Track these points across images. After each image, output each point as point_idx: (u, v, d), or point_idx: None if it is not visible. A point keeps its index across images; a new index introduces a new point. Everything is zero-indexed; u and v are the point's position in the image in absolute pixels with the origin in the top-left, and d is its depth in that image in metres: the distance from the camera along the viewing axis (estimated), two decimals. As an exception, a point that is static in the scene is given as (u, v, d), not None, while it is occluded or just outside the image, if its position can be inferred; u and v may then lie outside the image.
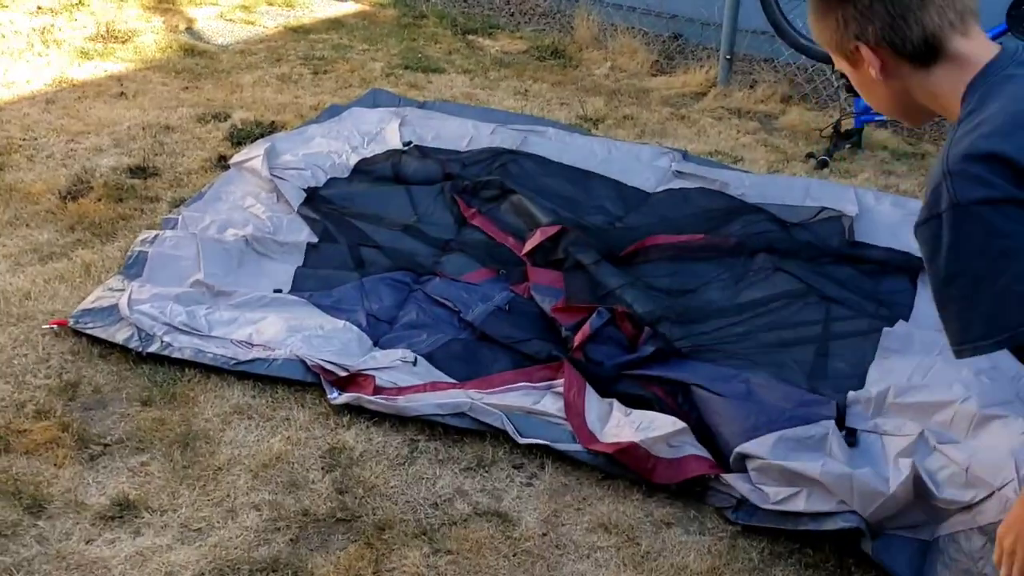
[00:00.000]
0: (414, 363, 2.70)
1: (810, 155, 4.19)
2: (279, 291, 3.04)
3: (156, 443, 2.39)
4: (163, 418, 2.48)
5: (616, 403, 2.51)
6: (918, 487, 2.08)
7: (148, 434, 2.42)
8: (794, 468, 2.18)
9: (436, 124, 4.15)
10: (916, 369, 2.46)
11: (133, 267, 3.07)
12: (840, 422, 2.35)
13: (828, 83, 4.86)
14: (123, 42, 5.33)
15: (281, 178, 3.59)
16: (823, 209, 3.42)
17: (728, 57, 4.94)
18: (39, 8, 5.79)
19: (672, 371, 2.58)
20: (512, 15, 6.14)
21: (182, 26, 5.70)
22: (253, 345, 2.73)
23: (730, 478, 2.26)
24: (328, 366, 2.61)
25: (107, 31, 5.44)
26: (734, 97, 4.83)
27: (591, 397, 2.52)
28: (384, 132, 4.07)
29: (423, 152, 3.92)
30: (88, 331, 2.76)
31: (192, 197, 3.55)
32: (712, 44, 5.29)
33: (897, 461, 2.18)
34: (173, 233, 3.23)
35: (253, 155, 3.70)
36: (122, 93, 4.64)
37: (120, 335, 2.73)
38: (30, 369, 2.66)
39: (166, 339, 2.72)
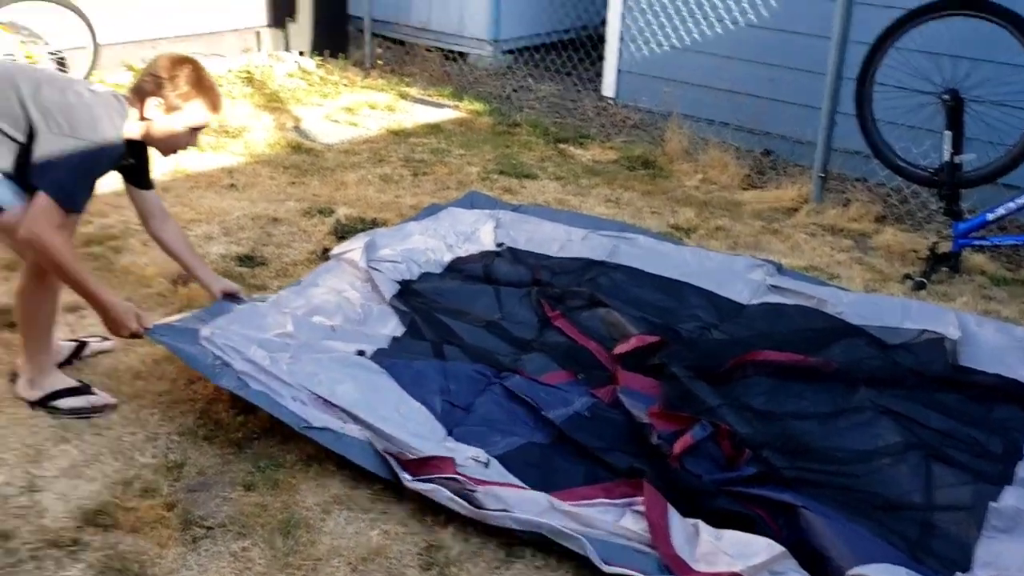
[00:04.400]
0: (486, 464, 2.65)
1: (907, 276, 4.15)
2: (362, 352, 3.09)
3: (258, 529, 2.42)
4: (265, 504, 2.51)
5: (702, 524, 2.41)
6: None
7: (250, 519, 2.45)
8: None
9: (529, 228, 4.23)
10: None
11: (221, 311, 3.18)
12: None
13: (923, 205, 4.85)
14: (234, 137, 5.61)
15: (377, 270, 3.68)
16: (924, 331, 3.36)
17: (821, 175, 4.97)
18: (158, 103, 6.14)
19: (776, 494, 2.52)
20: (603, 126, 6.30)
21: (290, 124, 5.98)
22: (331, 405, 2.76)
23: None
24: (399, 452, 2.61)
25: (220, 126, 5.73)
26: (827, 214, 4.84)
27: (674, 518, 2.43)
28: (479, 233, 4.17)
29: (515, 255, 4.00)
30: (163, 343, 2.87)
31: (291, 284, 3.67)
32: (804, 161, 5.34)
33: None
34: (264, 304, 3.30)
35: (353, 247, 3.81)
36: (232, 185, 4.86)
37: (193, 355, 2.83)
38: (138, 447, 2.73)
39: (243, 375, 2.79)
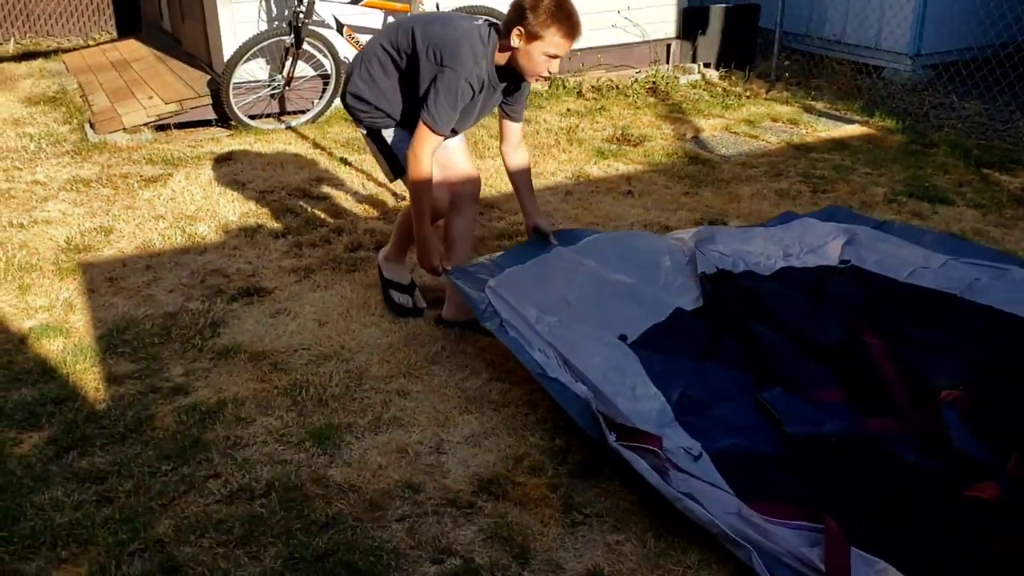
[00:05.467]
0: (696, 458, 2.59)
1: None
2: (624, 337, 3.12)
3: (632, 525, 2.48)
4: (640, 503, 2.56)
5: (891, 569, 2.17)
6: None
7: (625, 514, 2.52)
8: None
9: (884, 247, 3.85)
10: None
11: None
12: None
13: None
14: (635, 145, 5.81)
15: (702, 252, 3.68)
16: None
17: None
18: (568, 110, 6.55)
19: None
20: (1039, 151, 5.60)
21: (689, 135, 6.06)
22: (569, 365, 2.89)
23: None
24: (614, 417, 2.69)
25: (622, 135, 5.97)
26: None
27: (859, 564, 2.20)
28: (827, 247, 3.90)
29: (858, 275, 3.68)
30: (455, 283, 3.23)
31: (607, 233, 3.87)
32: None
33: None
34: (559, 254, 3.47)
35: (688, 232, 3.92)
36: (629, 192, 5.03)
37: (473, 297, 3.16)
38: (529, 428, 2.93)
39: (507, 323, 3.05)
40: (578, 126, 6.17)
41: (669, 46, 7.46)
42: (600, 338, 3.10)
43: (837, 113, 6.50)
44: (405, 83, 3.15)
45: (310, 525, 2.47)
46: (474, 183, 3.45)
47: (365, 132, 3.33)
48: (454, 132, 3.26)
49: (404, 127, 3.20)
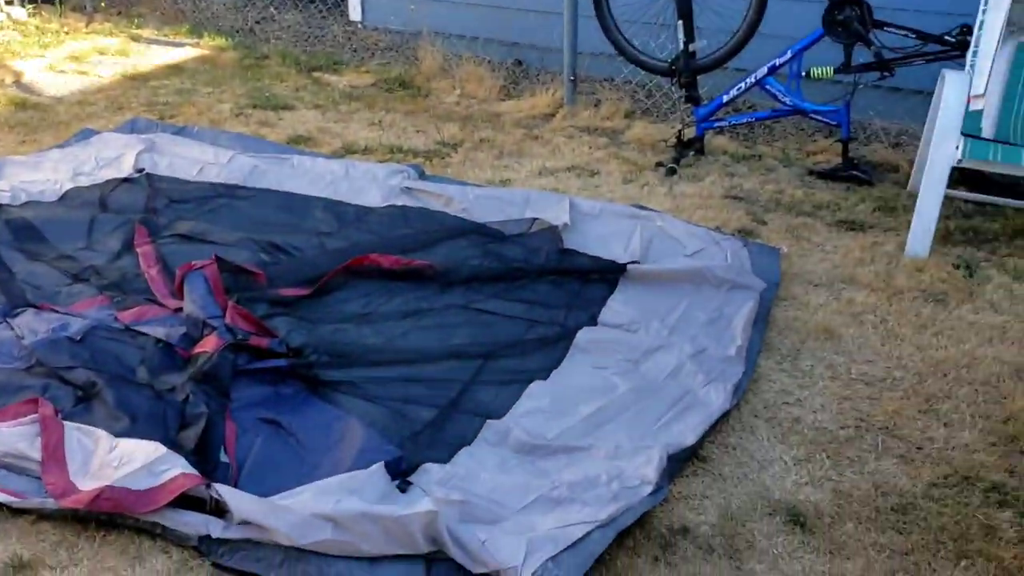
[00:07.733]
0: None
1: (659, 164, 4.41)
2: None
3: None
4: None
5: (104, 436, 2.33)
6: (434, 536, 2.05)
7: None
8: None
9: (177, 151, 4.09)
10: None
11: None
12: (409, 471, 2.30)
13: (667, 97, 5.15)
14: (-55, 100, 5.04)
15: None
16: (536, 220, 3.57)
17: (572, 79, 5.15)
18: None
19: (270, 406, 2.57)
20: (355, 51, 6.18)
21: (9, 80, 5.44)
22: None
23: (222, 488, 2.14)
24: None
25: (-75, 90, 5.13)
26: (581, 116, 5.04)
27: (74, 436, 2.35)
28: (122, 158, 4.00)
29: (150, 181, 3.86)
30: None
31: None
32: (554, 68, 5.50)
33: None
34: None
35: None
36: (-49, 152, 4.39)
37: None
38: None
39: None
40: None
41: (-42, -16, 6.52)
42: None
43: (167, 39, 6.38)
44: None
45: None
46: None
47: None
48: None
49: None
